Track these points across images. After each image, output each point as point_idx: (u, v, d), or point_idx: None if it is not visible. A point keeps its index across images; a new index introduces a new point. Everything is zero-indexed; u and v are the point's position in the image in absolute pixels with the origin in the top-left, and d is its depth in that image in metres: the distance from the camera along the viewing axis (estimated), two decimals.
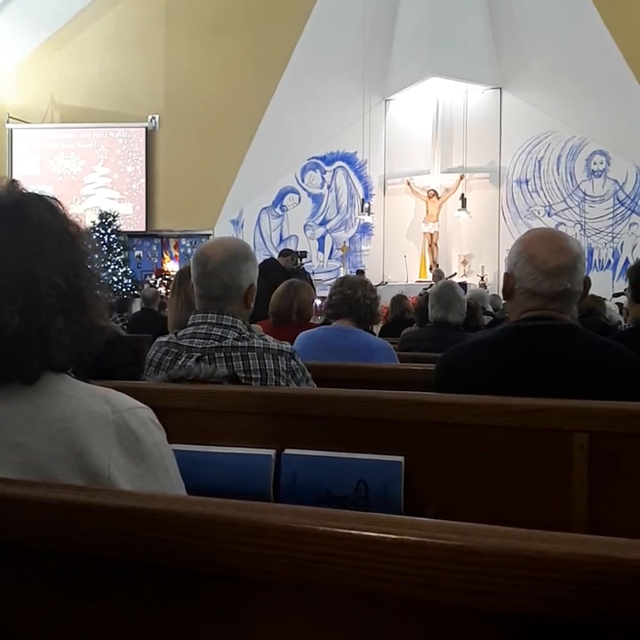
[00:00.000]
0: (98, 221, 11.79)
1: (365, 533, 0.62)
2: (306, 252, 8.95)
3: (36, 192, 0.91)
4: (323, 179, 12.83)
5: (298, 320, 3.23)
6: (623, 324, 4.67)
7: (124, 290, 11.51)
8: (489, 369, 1.57)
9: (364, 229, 12.68)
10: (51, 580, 0.74)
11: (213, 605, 0.69)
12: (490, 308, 6.02)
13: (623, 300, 7.16)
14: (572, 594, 0.56)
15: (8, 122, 13.05)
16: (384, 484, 1.43)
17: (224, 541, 0.65)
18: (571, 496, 1.26)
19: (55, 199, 0.92)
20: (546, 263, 1.54)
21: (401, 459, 1.42)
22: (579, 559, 0.56)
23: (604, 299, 5.35)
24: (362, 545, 0.62)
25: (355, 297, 2.70)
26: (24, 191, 0.90)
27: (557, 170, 11.88)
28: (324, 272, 12.27)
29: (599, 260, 11.60)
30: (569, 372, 1.50)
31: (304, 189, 12.87)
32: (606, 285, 10.22)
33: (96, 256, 0.96)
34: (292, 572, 0.64)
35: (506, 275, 1.65)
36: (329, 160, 12.77)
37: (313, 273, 9.86)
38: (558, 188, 11.88)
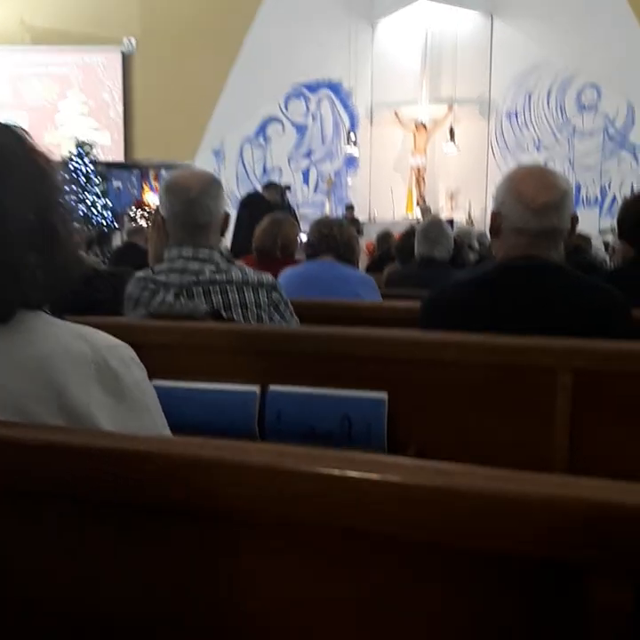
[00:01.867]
0: (75, 151, 11.41)
1: (347, 473, 0.62)
2: (290, 185, 8.79)
3: (2, 121, 0.86)
4: (307, 107, 12.45)
5: (282, 256, 3.21)
6: (609, 262, 4.68)
7: (104, 223, 11.27)
8: (475, 308, 1.57)
9: (350, 162, 12.43)
10: (31, 520, 0.73)
11: (196, 544, 0.69)
12: (476, 245, 6.00)
13: (610, 237, 7.17)
14: (554, 535, 0.56)
15: None
16: (368, 421, 1.44)
17: (206, 481, 0.65)
18: (553, 434, 1.28)
19: (22, 129, 0.87)
20: (534, 201, 1.53)
21: (385, 395, 1.42)
22: (561, 501, 0.56)
23: (591, 236, 5.34)
24: (344, 485, 0.62)
25: (331, 234, 2.75)
26: None
27: (548, 103, 11.63)
28: (309, 206, 12.09)
29: (586, 197, 11.53)
30: (555, 312, 1.50)
31: (288, 119, 12.51)
32: (593, 222, 10.20)
33: (69, 189, 0.92)
34: (274, 510, 0.64)
35: (493, 213, 1.63)
36: (314, 88, 12.37)
37: (297, 207, 9.72)
38: (548, 122, 11.66)
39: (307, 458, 0.66)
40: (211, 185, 1.77)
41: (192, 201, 1.73)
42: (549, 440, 1.28)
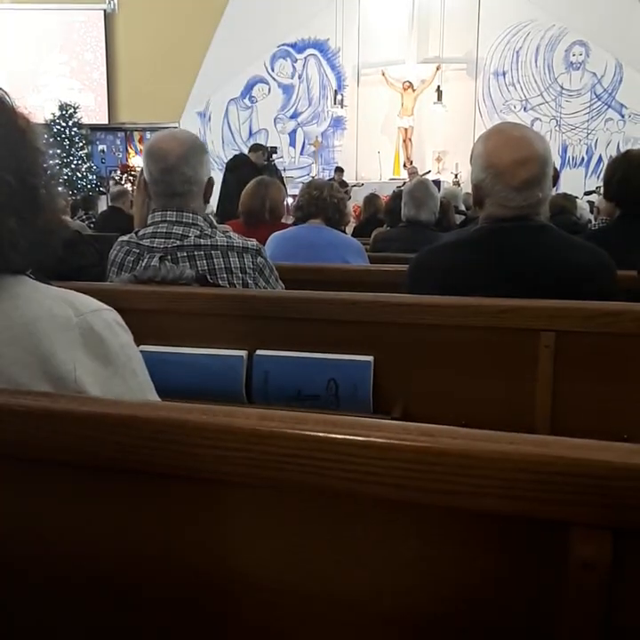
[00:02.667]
0: (57, 113, 11.16)
1: (332, 436, 0.63)
2: (276, 147, 8.66)
3: None
4: (293, 68, 12.22)
5: (270, 220, 3.19)
6: (594, 222, 4.69)
7: (88, 186, 11.10)
8: (461, 270, 1.57)
9: (337, 123, 12.27)
10: (18, 485, 0.74)
11: (184, 508, 0.70)
12: (463, 207, 5.98)
13: (595, 198, 7.16)
14: (535, 493, 0.57)
15: None
16: (354, 383, 1.45)
17: (192, 445, 0.66)
18: (535, 394, 1.30)
19: (1, 90, 0.85)
20: (514, 178, 1.49)
21: (370, 358, 1.44)
22: (542, 459, 0.57)
23: (576, 197, 5.34)
24: (329, 447, 0.63)
25: (321, 197, 2.74)
26: None
27: (535, 62, 11.48)
28: (296, 169, 11.97)
29: (573, 157, 11.49)
30: (541, 272, 1.50)
31: (274, 79, 12.28)
32: (579, 183, 10.17)
33: (50, 152, 0.90)
34: (260, 473, 0.65)
35: (474, 187, 1.59)
36: (300, 47, 12.13)
37: (284, 169, 9.60)
38: (535, 82, 11.54)
39: (291, 420, 0.66)
40: (191, 151, 1.73)
41: (170, 169, 1.70)
42: (532, 400, 1.30)
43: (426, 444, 0.60)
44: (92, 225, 6.06)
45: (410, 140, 11.75)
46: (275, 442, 0.65)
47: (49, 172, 0.87)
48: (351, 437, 0.63)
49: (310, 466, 0.63)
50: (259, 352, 1.51)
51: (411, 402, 1.39)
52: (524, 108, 11.58)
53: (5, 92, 0.85)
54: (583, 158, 11.45)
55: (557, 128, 11.41)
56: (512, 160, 1.49)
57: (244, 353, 1.52)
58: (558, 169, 9.97)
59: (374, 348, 1.43)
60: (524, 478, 0.57)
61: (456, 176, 11.35)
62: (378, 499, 0.63)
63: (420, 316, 1.41)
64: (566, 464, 0.56)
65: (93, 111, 12.20)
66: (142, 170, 1.82)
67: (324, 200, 2.75)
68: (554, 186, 1.62)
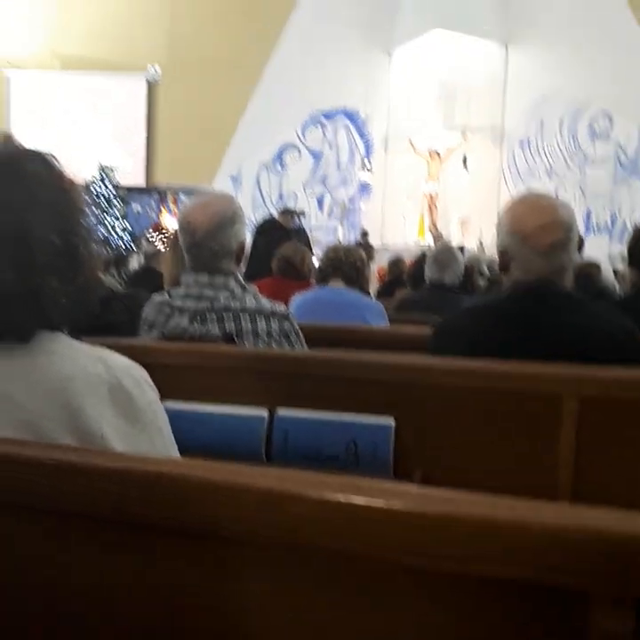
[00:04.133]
0: (97, 175, 11.61)
1: (351, 500, 0.63)
2: (304, 211, 8.87)
3: (31, 147, 0.90)
4: (324, 134, 12.60)
5: (300, 279, 3.30)
6: (618, 289, 4.66)
7: (122, 245, 11.41)
8: (486, 335, 1.58)
9: (364, 188, 12.53)
10: (41, 537, 0.75)
11: (200, 565, 0.71)
12: (487, 272, 6.00)
13: (619, 265, 7.14)
14: (556, 562, 0.57)
15: (6, 68, 12.72)
16: (374, 446, 1.45)
17: (213, 504, 0.67)
18: (558, 461, 1.28)
19: (51, 154, 0.91)
20: (540, 243, 1.51)
21: (391, 421, 1.43)
22: (563, 529, 0.57)
23: (600, 263, 5.33)
24: (348, 511, 0.63)
25: (337, 257, 2.81)
26: (19, 146, 0.88)
27: (560, 131, 11.69)
28: (323, 231, 12.18)
29: (597, 224, 11.52)
30: (565, 339, 1.50)
31: (304, 145, 12.66)
32: (603, 249, 10.17)
33: (91, 213, 0.95)
34: (277, 534, 0.65)
35: (500, 252, 1.62)
36: (331, 115, 12.53)
37: (311, 231, 9.79)
38: (560, 150, 11.71)
39: (311, 482, 0.67)
40: (219, 226, 1.75)
41: (198, 244, 1.75)
42: (555, 467, 1.28)
43: (446, 510, 0.60)
44: (123, 282, 6.21)
45: (435, 205, 11.93)
46: (293, 503, 0.65)
47: (89, 231, 0.92)
48: (370, 502, 0.63)
49: (328, 529, 0.63)
50: (280, 411, 1.52)
51: (432, 465, 1.38)
52: (549, 176, 11.73)
53: (53, 156, 0.91)
54: (607, 224, 11.48)
55: (582, 195, 11.50)
56: (537, 225, 1.52)
57: (265, 412, 1.52)
58: (582, 235, 10.01)
59: (396, 410, 1.43)
60: (545, 547, 0.57)
61: (480, 241, 11.44)
62: (396, 564, 0.62)
63: (443, 378, 1.42)
64: (589, 534, 0.56)
65: (131, 173, 12.65)
66: (175, 230, 1.88)
67: (340, 260, 2.84)
68: (579, 253, 1.63)
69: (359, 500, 0.62)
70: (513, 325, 1.56)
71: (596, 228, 11.44)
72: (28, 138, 0.93)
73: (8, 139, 0.89)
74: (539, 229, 1.51)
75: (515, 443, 1.34)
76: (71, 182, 0.90)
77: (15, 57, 12.72)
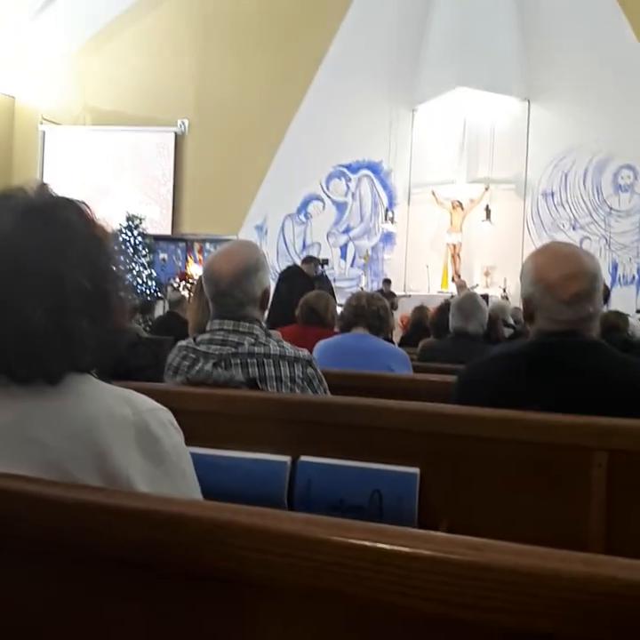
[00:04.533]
0: (125, 224, 11.92)
1: (377, 545, 0.62)
2: (328, 259, 8.97)
3: (65, 195, 0.93)
4: (347, 186, 12.84)
5: (324, 326, 3.31)
6: None
7: (148, 292, 11.61)
8: (511, 384, 1.56)
9: (387, 238, 12.66)
10: (65, 577, 0.75)
11: (222, 609, 0.69)
12: (511, 321, 5.97)
13: None
14: (585, 615, 0.55)
15: (41, 123, 13.28)
16: (399, 496, 1.42)
17: (237, 547, 0.66)
18: (588, 516, 1.24)
19: (83, 203, 0.94)
20: (564, 292, 1.50)
21: (416, 470, 1.41)
22: (593, 579, 0.55)
23: (628, 315, 5.28)
24: (373, 557, 0.62)
25: (360, 305, 2.83)
26: (54, 194, 0.92)
27: (584, 183, 11.76)
28: (346, 280, 12.27)
29: (623, 276, 11.44)
30: (592, 389, 1.48)
31: (328, 197, 12.89)
32: (630, 301, 10.07)
33: (121, 259, 0.97)
34: (301, 580, 0.64)
35: (524, 301, 1.62)
36: (354, 168, 12.78)
37: (334, 280, 9.87)
38: (584, 202, 11.76)
39: (337, 527, 0.66)
40: (243, 274, 1.77)
41: (222, 293, 1.78)
42: (585, 520, 1.24)
43: (472, 558, 0.59)
44: (148, 328, 6.29)
45: (458, 255, 11.98)
46: (318, 548, 0.64)
47: (120, 278, 0.94)
48: (397, 548, 0.62)
49: (353, 575, 0.62)
50: (303, 458, 1.50)
51: (458, 516, 1.35)
52: (573, 227, 11.75)
53: (85, 204, 0.94)
54: (634, 276, 11.40)
55: (607, 246, 11.47)
56: (562, 274, 1.51)
57: (287, 458, 1.51)
58: (609, 287, 9.94)
59: (420, 459, 1.41)
60: (574, 598, 0.55)
61: (504, 290, 11.42)
62: (421, 612, 0.61)
63: (468, 427, 1.40)
64: (620, 586, 0.54)
65: (158, 222, 12.98)
66: (200, 277, 1.91)
67: (363, 308, 2.85)
68: (605, 303, 1.62)
69: (385, 545, 0.61)
70: (538, 374, 1.54)
71: (622, 280, 11.36)
72: (61, 188, 0.96)
73: (43, 187, 0.93)
74: (563, 279, 1.51)
75: (543, 494, 1.31)
76: (103, 230, 0.93)
77: (50, 112, 13.30)
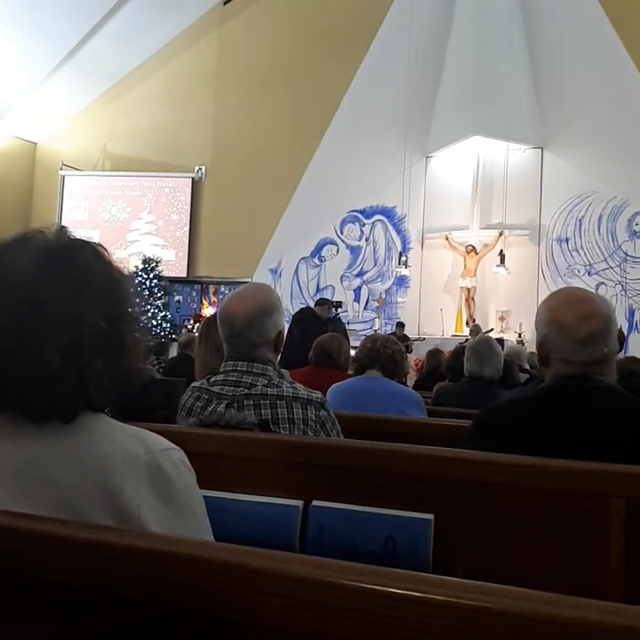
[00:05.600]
0: (141, 266, 12.10)
1: (389, 590, 0.62)
2: (341, 302, 9.01)
3: (84, 238, 0.95)
4: (361, 231, 12.98)
5: (338, 369, 3.31)
6: None
7: (162, 334, 11.69)
8: (526, 428, 1.55)
9: (401, 282, 12.72)
10: (76, 617, 0.74)
11: None
12: (527, 366, 5.93)
13: None
14: None
15: (61, 168, 13.65)
16: (413, 542, 1.40)
17: (246, 589, 0.65)
18: (606, 564, 1.21)
19: (101, 246, 0.96)
20: (578, 332, 1.51)
21: (431, 517, 1.39)
22: (609, 628, 0.54)
23: None
24: (385, 601, 0.61)
25: (375, 347, 2.82)
26: (72, 237, 0.94)
27: (598, 229, 11.80)
28: (360, 323, 12.29)
29: None
30: (608, 435, 1.46)
31: (342, 241, 13.03)
32: None
33: (137, 300, 0.99)
34: (312, 624, 0.63)
35: (539, 344, 1.62)
36: (368, 213, 12.95)
37: (348, 323, 9.90)
38: (599, 248, 11.77)
39: (348, 571, 0.65)
40: (257, 316, 1.78)
41: (236, 334, 1.79)
42: (602, 571, 1.21)
43: (485, 603, 0.58)
44: (161, 369, 6.31)
45: (472, 299, 11.99)
46: (329, 592, 0.63)
47: (135, 319, 0.96)
48: (409, 593, 0.61)
49: (364, 620, 0.62)
50: (315, 503, 1.49)
51: (473, 564, 1.32)
52: (589, 273, 11.73)
53: (103, 247, 0.96)
54: None
55: (623, 292, 11.43)
56: (575, 315, 1.52)
57: (300, 502, 1.50)
58: (625, 333, 9.85)
59: (435, 505, 1.39)
60: None
61: (520, 335, 11.36)
62: None
63: (483, 473, 1.38)
64: (634, 635, 0.53)
65: (174, 265, 13.16)
66: (204, 322, 1.92)
67: (378, 351, 2.84)
68: (621, 349, 1.61)
69: (397, 590, 0.61)
70: (553, 419, 1.53)
71: (639, 326, 11.27)
72: (79, 231, 0.99)
73: (62, 230, 0.95)
74: (577, 319, 1.52)
75: (559, 542, 1.28)
76: (120, 272, 0.95)
77: (70, 158, 13.69)
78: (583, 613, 0.55)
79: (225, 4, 13.15)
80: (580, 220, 11.90)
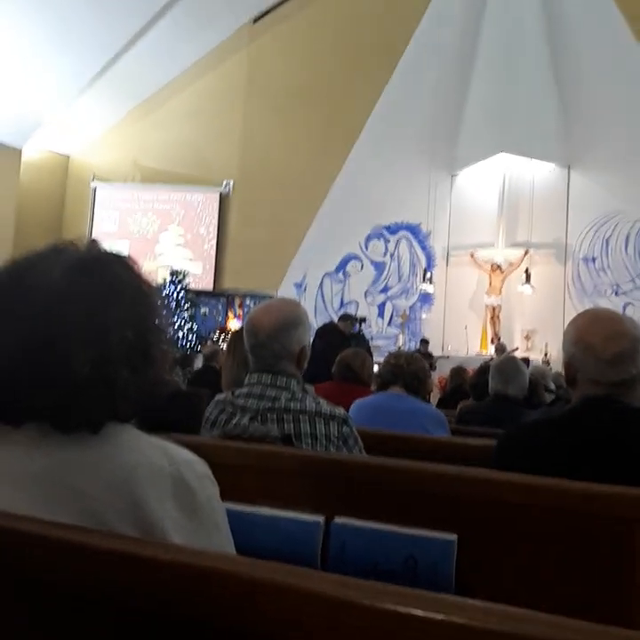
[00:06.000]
0: (168, 278, 12.25)
1: (411, 611, 0.61)
2: (365, 317, 9.00)
3: (114, 251, 0.97)
4: (386, 247, 12.98)
5: (361, 384, 3.30)
6: None
7: (188, 345, 11.78)
8: (552, 450, 1.53)
9: (425, 298, 12.67)
10: (96, 627, 0.74)
11: None
12: (552, 386, 5.84)
13: None
14: None
15: (93, 180, 13.91)
16: (434, 562, 1.38)
17: (267, 605, 0.65)
18: (631, 589, 1.18)
19: (131, 258, 0.98)
20: (605, 351, 1.50)
21: (454, 537, 1.37)
22: None
23: None
24: (406, 623, 0.60)
25: (398, 364, 2.81)
26: (103, 249, 0.96)
27: (626, 249, 11.64)
28: (383, 339, 12.26)
29: None
30: (634, 458, 1.44)
31: (367, 257, 13.04)
32: None
33: (165, 312, 1.00)
34: None
35: (566, 364, 1.61)
36: (393, 229, 12.95)
37: (371, 339, 9.87)
38: (626, 268, 11.61)
39: (371, 591, 0.65)
40: (282, 328, 1.80)
41: (260, 345, 1.81)
42: (627, 594, 1.18)
43: (509, 629, 0.57)
44: (186, 381, 6.34)
45: (497, 317, 11.88)
46: (350, 611, 0.63)
47: (163, 331, 0.97)
48: (431, 615, 0.60)
49: None
50: (337, 519, 1.48)
51: (496, 585, 1.30)
52: (616, 293, 11.57)
53: (132, 259, 0.98)
54: None
55: None
56: (603, 335, 1.51)
57: (321, 518, 1.49)
58: None
59: (458, 525, 1.37)
60: None
61: (546, 354, 11.22)
62: None
63: (508, 494, 1.36)
64: None
65: (200, 278, 13.30)
66: (232, 334, 1.94)
67: (401, 368, 2.82)
68: None
69: (420, 611, 0.60)
70: (580, 442, 1.51)
71: None
72: (110, 242, 1.01)
73: (93, 243, 0.97)
74: (604, 339, 1.51)
75: (584, 566, 1.25)
76: (149, 285, 0.97)
77: (101, 171, 13.96)
78: None
79: (255, 22, 13.36)
80: (606, 240, 11.76)
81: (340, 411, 1.82)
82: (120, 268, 0.93)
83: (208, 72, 13.58)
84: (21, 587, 0.76)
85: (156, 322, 0.95)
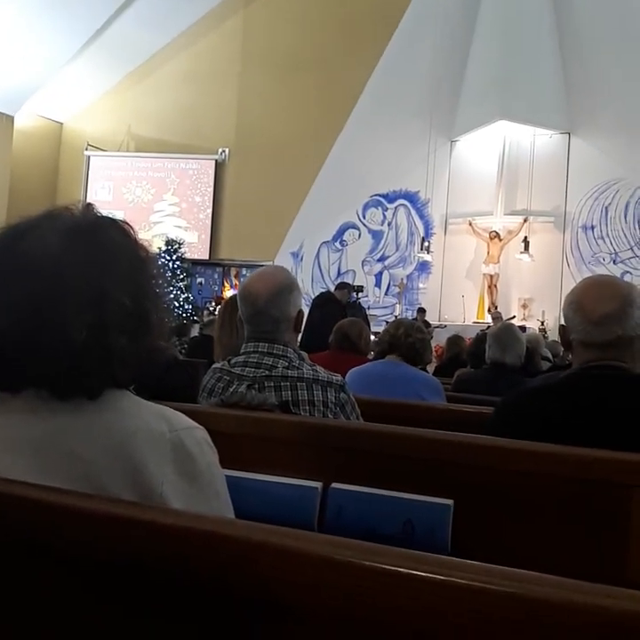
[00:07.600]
0: (164, 248, 12.16)
1: (411, 572, 0.61)
2: (362, 286, 8.97)
3: (110, 216, 0.95)
4: (384, 216, 12.90)
5: (358, 353, 3.30)
6: None
7: (184, 315, 11.77)
8: (551, 417, 1.53)
9: (423, 267, 12.64)
10: (96, 590, 0.75)
11: (248, 631, 0.69)
12: (548, 354, 5.86)
13: None
14: None
15: (87, 149, 13.73)
16: (431, 527, 1.39)
17: (266, 567, 0.65)
18: (628, 555, 1.20)
19: (127, 223, 0.96)
20: (593, 312, 1.52)
21: (450, 502, 1.38)
22: (633, 615, 0.53)
23: None
24: (407, 583, 0.61)
25: (397, 334, 2.80)
26: (99, 214, 0.94)
27: (625, 217, 11.59)
28: (380, 308, 12.26)
29: None
30: (629, 423, 1.45)
31: (365, 225, 12.97)
32: None
33: (162, 280, 0.99)
34: (330, 603, 0.63)
35: (561, 326, 1.63)
36: (391, 198, 12.85)
37: (368, 308, 9.87)
38: (625, 236, 11.58)
39: (370, 552, 0.65)
40: (278, 293, 1.80)
41: (258, 312, 1.80)
42: (624, 561, 1.20)
43: (509, 589, 0.58)
44: (183, 350, 6.35)
45: (495, 286, 11.87)
46: (349, 572, 0.63)
47: (160, 298, 0.96)
48: (431, 575, 0.61)
49: (384, 601, 0.61)
50: (334, 485, 1.49)
51: (491, 550, 1.31)
52: (614, 261, 11.56)
53: (130, 226, 0.96)
54: None
55: None
56: (594, 296, 1.54)
57: (319, 484, 1.50)
58: None
59: (454, 491, 1.38)
60: (618, 636, 0.53)
61: (542, 323, 11.25)
62: None
63: (504, 460, 1.37)
64: None
65: (196, 247, 13.21)
66: (224, 303, 1.92)
67: (399, 338, 2.81)
68: None
69: (420, 572, 0.60)
70: (577, 408, 1.51)
71: None
72: (104, 211, 0.98)
73: (89, 207, 0.95)
74: (594, 300, 1.53)
75: (580, 532, 1.27)
76: (146, 250, 0.95)
77: (95, 139, 13.76)
78: (615, 602, 0.54)
79: None
80: (606, 208, 11.70)
81: (337, 377, 1.82)
82: (116, 233, 0.92)
83: (203, 37, 13.31)
84: (20, 551, 0.76)
85: (154, 289, 0.94)
